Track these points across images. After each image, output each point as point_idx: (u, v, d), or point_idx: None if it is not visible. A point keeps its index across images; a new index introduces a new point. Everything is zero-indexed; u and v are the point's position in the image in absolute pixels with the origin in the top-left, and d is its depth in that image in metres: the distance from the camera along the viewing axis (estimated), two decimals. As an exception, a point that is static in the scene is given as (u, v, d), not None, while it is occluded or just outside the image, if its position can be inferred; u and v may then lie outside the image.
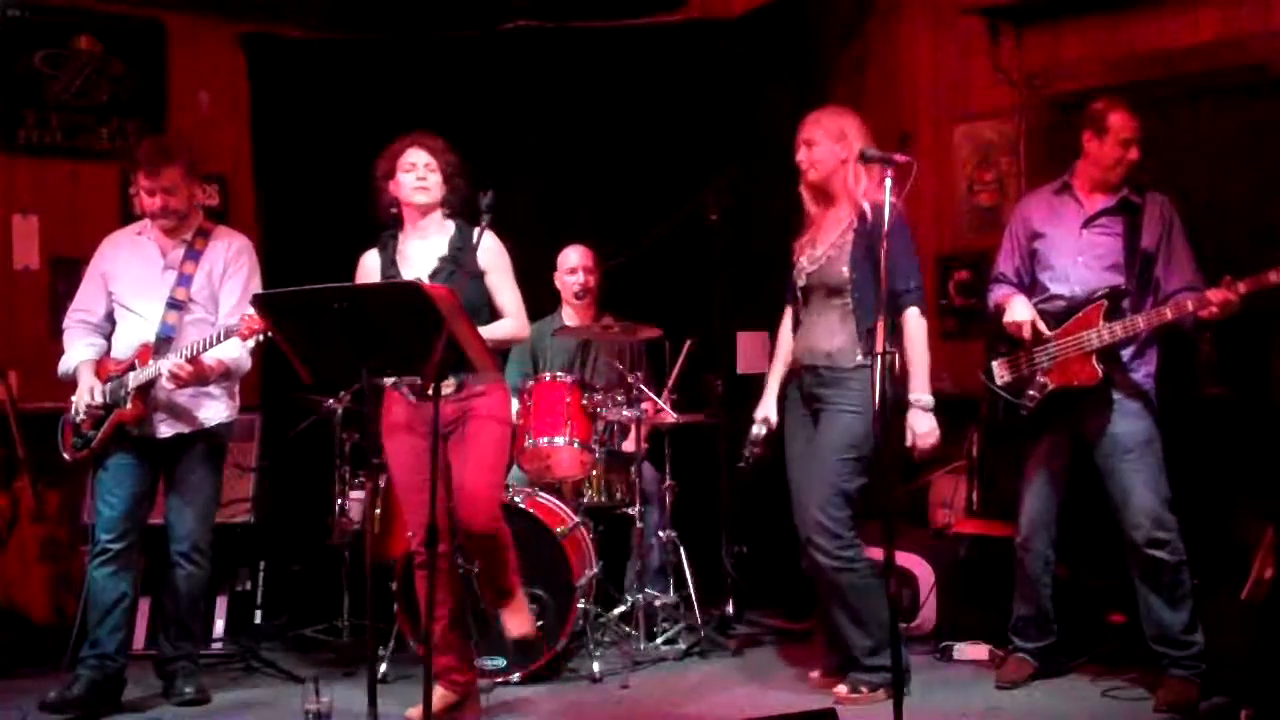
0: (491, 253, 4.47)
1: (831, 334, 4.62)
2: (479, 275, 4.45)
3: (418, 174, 4.47)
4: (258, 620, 5.67)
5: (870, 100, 6.49)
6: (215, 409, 4.80)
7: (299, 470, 5.91)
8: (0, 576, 5.48)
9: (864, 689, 4.62)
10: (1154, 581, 4.58)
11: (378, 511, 5.25)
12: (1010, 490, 5.36)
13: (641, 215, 6.04)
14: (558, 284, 5.97)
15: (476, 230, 4.38)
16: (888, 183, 4.04)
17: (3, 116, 6.15)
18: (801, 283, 4.70)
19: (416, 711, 4.32)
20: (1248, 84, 5.35)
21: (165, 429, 4.72)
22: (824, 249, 4.66)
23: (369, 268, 4.55)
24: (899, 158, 4.03)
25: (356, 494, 5.47)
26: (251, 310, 4.44)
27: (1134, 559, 4.61)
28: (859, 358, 4.56)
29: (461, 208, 4.53)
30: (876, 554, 5.03)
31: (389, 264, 4.50)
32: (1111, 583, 5.01)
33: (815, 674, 4.85)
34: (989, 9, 5.97)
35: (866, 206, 4.58)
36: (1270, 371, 5.16)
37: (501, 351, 4.79)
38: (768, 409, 4.81)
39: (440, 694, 4.43)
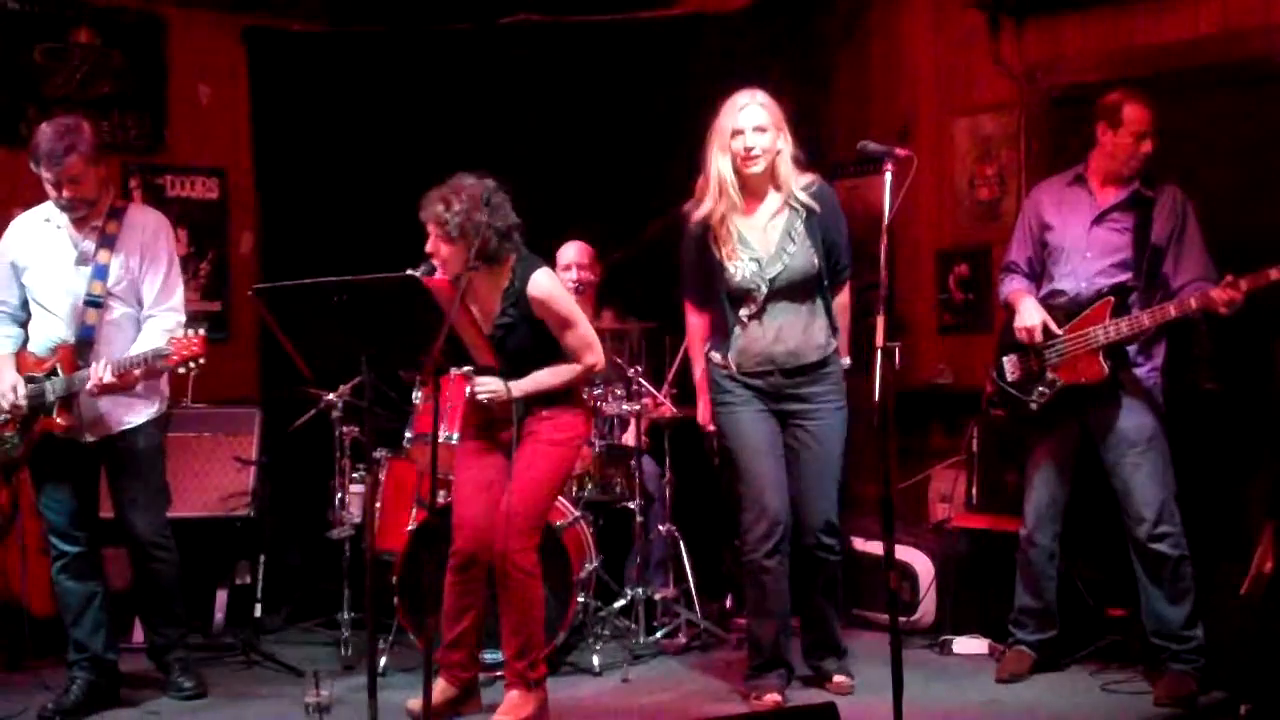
0: (541, 304, 4.31)
1: (808, 332, 4.55)
2: (537, 325, 4.34)
3: (434, 252, 4.29)
4: (258, 613, 5.67)
5: (871, 93, 6.49)
6: (143, 408, 4.66)
7: (299, 464, 5.91)
8: (1, 570, 5.48)
9: (852, 675, 4.73)
10: (1155, 576, 4.59)
11: (378, 505, 5.26)
12: (1009, 485, 5.38)
13: (642, 209, 6.04)
14: (557, 279, 5.97)
15: (529, 277, 4.30)
16: (888, 176, 4.02)
17: (3, 111, 6.14)
18: (764, 288, 4.51)
19: (417, 703, 4.31)
20: (1248, 78, 5.34)
21: (91, 435, 4.59)
22: (776, 248, 4.52)
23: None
24: (900, 151, 4.02)
25: (356, 488, 5.48)
26: (183, 334, 4.39)
27: (1136, 553, 4.62)
28: (832, 345, 4.58)
29: (505, 244, 4.30)
30: (875, 548, 5.06)
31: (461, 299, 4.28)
32: (1112, 576, 5.02)
33: (775, 695, 4.61)
34: (989, 2, 5.95)
35: (805, 196, 4.52)
36: (1270, 367, 5.16)
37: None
38: (708, 416, 4.72)
39: (441, 687, 4.42)
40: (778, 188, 4.55)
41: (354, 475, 5.50)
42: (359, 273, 3.92)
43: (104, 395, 4.45)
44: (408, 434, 5.29)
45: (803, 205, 4.54)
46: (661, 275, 6.15)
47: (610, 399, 5.45)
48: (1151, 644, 4.65)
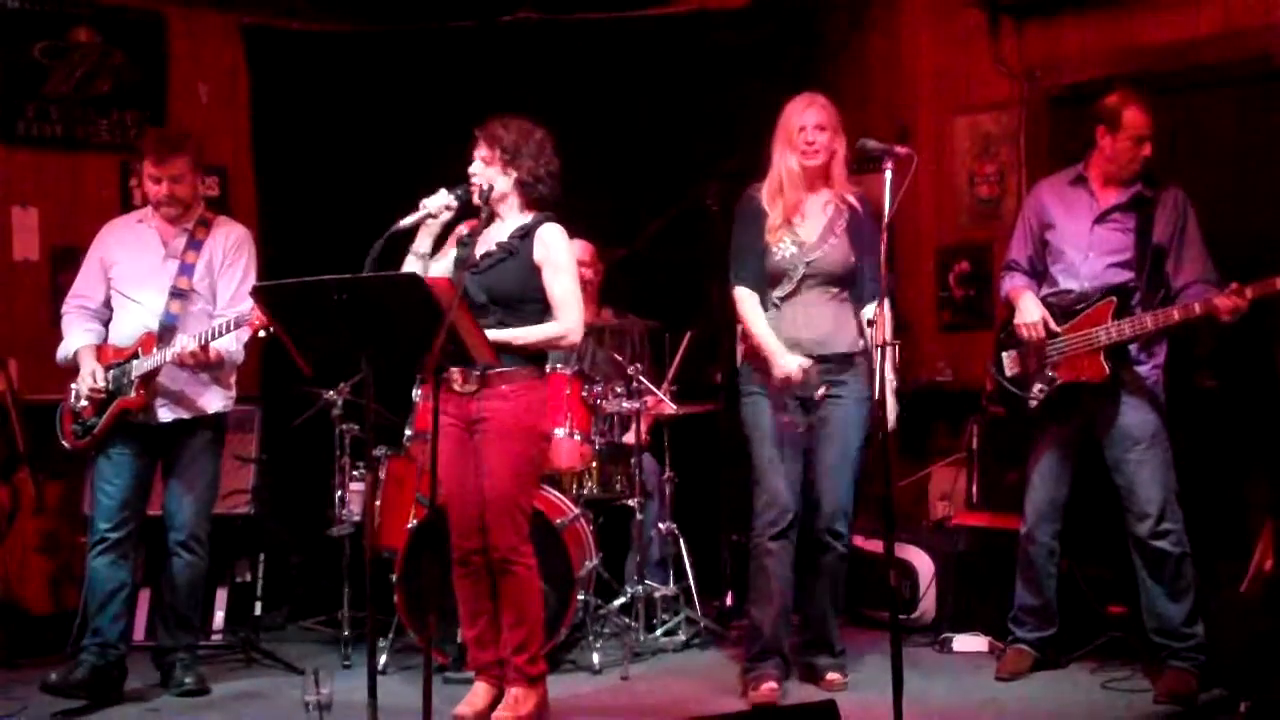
0: (546, 246, 4.36)
1: (838, 322, 4.63)
2: (534, 268, 4.37)
3: (472, 174, 4.40)
4: (258, 611, 5.68)
5: (871, 92, 6.50)
6: (213, 397, 4.84)
7: (299, 462, 5.92)
8: (0, 568, 5.48)
9: (845, 673, 4.75)
10: (1157, 573, 4.59)
11: (377, 503, 5.26)
12: (1009, 483, 5.38)
13: (643, 207, 6.04)
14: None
15: (544, 223, 4.37)
16: (888, 175, 4.02)
17: (3, 108, 6.14)
18: (800, 271, 4.63)
19: (465, 708, 4.38)
20: (1249, 76, 5.34)
21: (166, 414, 4.75)
22: (819, 237, 4.63)
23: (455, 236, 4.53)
24: (900, 150, 4.02)
25: (356, 485, 5.47)
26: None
27: (1137, 550, 4.62)
28: (861, 344, 4.63)
29: (545, 189, 4.41)
30: (876, 546, 5.05)
31: (468, 238, 4.44)
32: (1112, 574, 5.02)
33: (771, 684, 4.63)
34: (989, 1, 5.96)
35: (853, 198, 4.65)
36: (1271, 365, 5.17)
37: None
38: (798, 358, 4.57)
39: (483, 689, 4.46)
40: (829, 185, 4.68)
41: (354, 473, 5.50)
42: (359, 271, 3.92)
43: (186, 367, 4.64)
44: (408, 432, 5.29)
45: (848, 205, 4.66)
46: (661, 274, 6.19)
47: (611, 397, 5.44)
48: (1152, 642, 4.65)
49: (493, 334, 4.26)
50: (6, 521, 5.48)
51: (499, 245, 4.40)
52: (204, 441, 4.85)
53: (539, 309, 4.38)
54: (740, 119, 6.24)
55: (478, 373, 4.29)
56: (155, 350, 4.66)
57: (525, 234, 4.39)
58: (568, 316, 4.37)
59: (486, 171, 4.38)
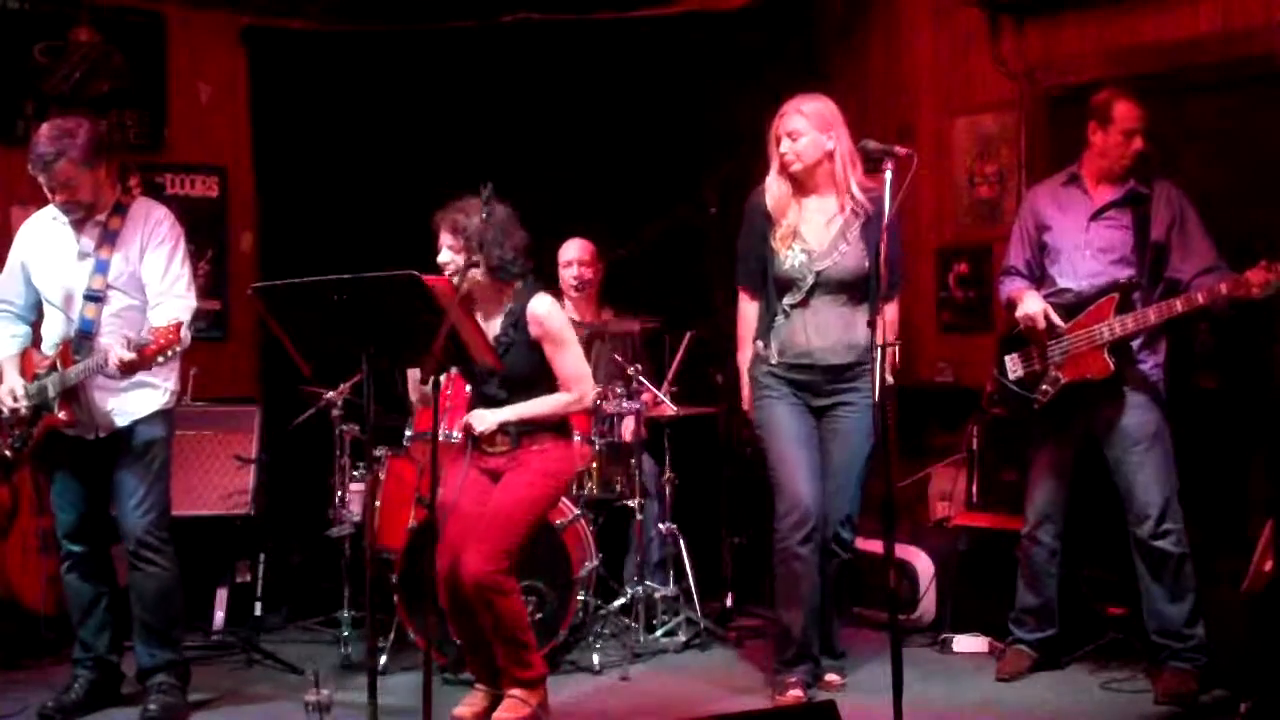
0: (539, 323, 4.37)
1: (850, 328, 4.57)
2: (536, 347, 4.39)
3: (444, 265, 4.36)
4: (258, 611, 5.68)
5: (871, 93, 6.49)
6: (148, 399, 4.51)
7: (299, 462, 5.92)
8: (1, 568, 5.48)
9: (844, 674, 4.77)
10: (1157, 574, 4.60)
11: (378, 503, 5.26)
12: (1009, 483, 5.38)
13: (643, 207, 6.04)
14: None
15: (529, 299, 4.37)
16: (888, 175, 4.02)
17: (2, 108, 6.14)
18: (810, 279, 4.56)
19: (463, 709, 4.38)
20: (1250, 76, 5.34)
21: (102, 431, 4.49)
22: (829, 244, 4.58)
23: None
24: (900, 150, 4.01)
25: (356, 486, 5.48)
26: (163, 322, 4.23)
27: (1139, 551, 4.62)
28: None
29: (517, 268, 4.39)
30: (876, 546, 5.05)
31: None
32: (1112, 575, 5.02)
33: (797, 692, 4.61)
34: (989, 1, 5.96)
35: (863, 198, 4.59)
36: (1269, 363, 5.16)
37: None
38: (750, 403, 4.78)
39: (480, 694, 4.46)
40: (837, 187, 4.61)
41: (354, 473, 5.50)
42: (359, 271, 3.92)
43: (129, 373, 4.26)
44: (408, 432, 5.30)
45: (861, 208, 4.58)
46: (662, 273, 6.19)
47: (610, 397, 5.45)
48: (1152, 642, 4.65)
49: (509, 411, 4.32)
50: (7, 521, 5.47)
51: (495, 340, 4.39)
52: (140, 447, 4.49)
53: (554, 382, 4.42)
54: (740, 119, 6.23)
55: (508, 434, 4.34)
56: (73, 362, 4.37)
57: (515, 321, 4.40)
58: (579, 386, 4.43)
59: (456, 259, 4.33)
